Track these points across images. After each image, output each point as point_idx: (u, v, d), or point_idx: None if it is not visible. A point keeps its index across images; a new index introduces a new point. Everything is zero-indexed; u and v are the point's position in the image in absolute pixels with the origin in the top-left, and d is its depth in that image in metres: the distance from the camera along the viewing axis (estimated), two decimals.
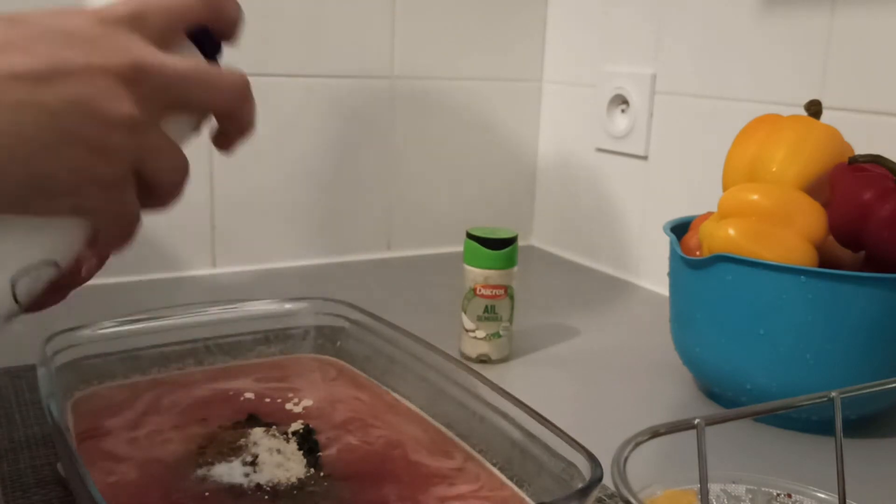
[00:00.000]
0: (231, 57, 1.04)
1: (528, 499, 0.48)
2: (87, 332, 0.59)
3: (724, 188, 0.70)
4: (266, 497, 0.47)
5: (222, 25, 0.44)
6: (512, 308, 0.77)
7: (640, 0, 1.03)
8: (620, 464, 0.32)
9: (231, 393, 0.61)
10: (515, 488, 0.49)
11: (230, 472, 0.49)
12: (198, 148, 1.04)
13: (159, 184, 0.41)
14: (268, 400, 0.60)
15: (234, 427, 0.55)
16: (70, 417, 0.52)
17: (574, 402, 0.71)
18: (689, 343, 0.70)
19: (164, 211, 0.41)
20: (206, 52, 0.44)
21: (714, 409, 0.70)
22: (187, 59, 0.41)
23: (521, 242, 0.78)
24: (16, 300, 0.37)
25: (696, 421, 0.34)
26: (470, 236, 0.76)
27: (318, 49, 1.03)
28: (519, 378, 0.75)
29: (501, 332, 0.76)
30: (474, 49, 1.14)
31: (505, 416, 0.51)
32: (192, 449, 0.52)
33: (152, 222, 1.01)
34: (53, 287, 0.41)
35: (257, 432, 0.53)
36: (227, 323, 0.65)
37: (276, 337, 0.67)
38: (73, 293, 0.46)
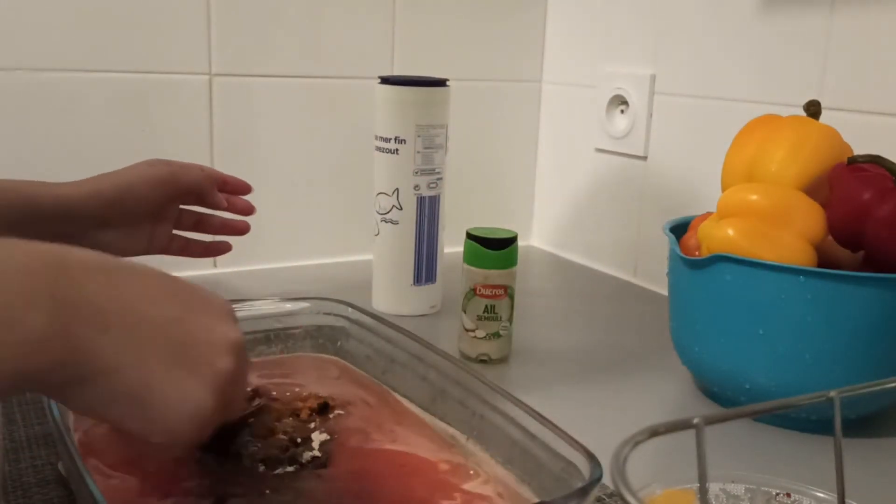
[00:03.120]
0: (233, 57, 1.04)
1: (529, 498, 0.48)
2: None
3: (724, 188, 0.70)
4: (269, 492, 0.48)
5: None
6: (512, 308, 0.77)
7: (639, 0, 1.03)
8: (620, 463, 0.33)
9: None
10: (519, 487, 0.49)
11: (233, 467, 0.49)
12: (199, 148, 1.04)
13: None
14: (275, 393, 0.60)
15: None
16: (71, 417, 0.52)
17: (574, 402, 0.71)
18: (688, 343, 0.70)
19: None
20: None
21: (713, 409, 0.70)
22: None
23: (521, 242, 0.79)
24: None
25: (696, 420, 0.34)
26: (470, 236, 0.76)
27: (317, 49, 1.03)
28: (519, 378, 0.75)
29: (501, 332, 0.77)
30: (474, 49, 1.14)
31: (505, 415, 0.51)
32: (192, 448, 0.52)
33: None
34: None
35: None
36: None
37: (276, 336, 0.67)
38: None
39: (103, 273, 0.38)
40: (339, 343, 0.67)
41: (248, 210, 0.80)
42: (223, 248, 0.82)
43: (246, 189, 0.81)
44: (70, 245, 0.38)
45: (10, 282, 0.34)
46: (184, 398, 0.39)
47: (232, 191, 0.80)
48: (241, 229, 0.82)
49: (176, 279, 0.42)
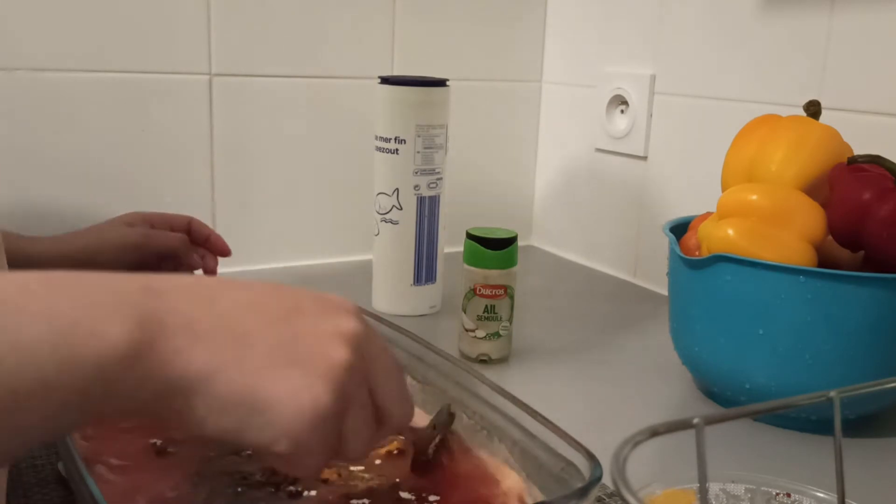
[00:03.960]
0: (233, 57, 1.04)
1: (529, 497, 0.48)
2: None
3: (724, 188, 0.70)
4: (271, 490, 0.48)
5: None
6: (512, 308, 0.77)
7: (639, 0, 1.03)
8: (620, 463, 0.32)
9: None
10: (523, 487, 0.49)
11: (235, 464, 0.49)
12: (199, 148, 1.04)
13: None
14: None
15: None
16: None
17: (574, 402, 0.71)
18: (688, 343, 0.70)
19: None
20: None
21: (713, 409, 0.70)
22: None
23: (521, 242, 0.79)
24: None
25: (696, 420, 0.34)
26: (470, 236, 0.76)
27: (317, 49, 1.03)
28: (519, 378, 0.75)
29: (501, 332, 0.77)
30: (474, 49, 1.14)
31: (505, 415, 0.51)
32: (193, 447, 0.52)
33: None
34: None
35: None
36: None
37: None
38: None
39: (197, 289, 0.37)
40: None
41: (222, 255, 0.80)
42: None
43: (225, 253, 0.80)
44: None
45: (99, 299, 0.33)
46: (295, 392, 0.35)
47: (213, 249, 0.79)
48: (213, 272, 0.81)
49: (284, 286, 0.40)
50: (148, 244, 0.72)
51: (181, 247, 0.74)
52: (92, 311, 0.32)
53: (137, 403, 0.34)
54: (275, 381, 0.35)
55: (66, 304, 0.32)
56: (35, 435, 0.32)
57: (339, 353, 0.37)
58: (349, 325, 0.39)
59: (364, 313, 0.49)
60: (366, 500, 0.48)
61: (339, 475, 0.50)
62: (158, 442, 0.52)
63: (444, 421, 0.52)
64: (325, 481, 0.49)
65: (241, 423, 0.35)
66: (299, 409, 0.35)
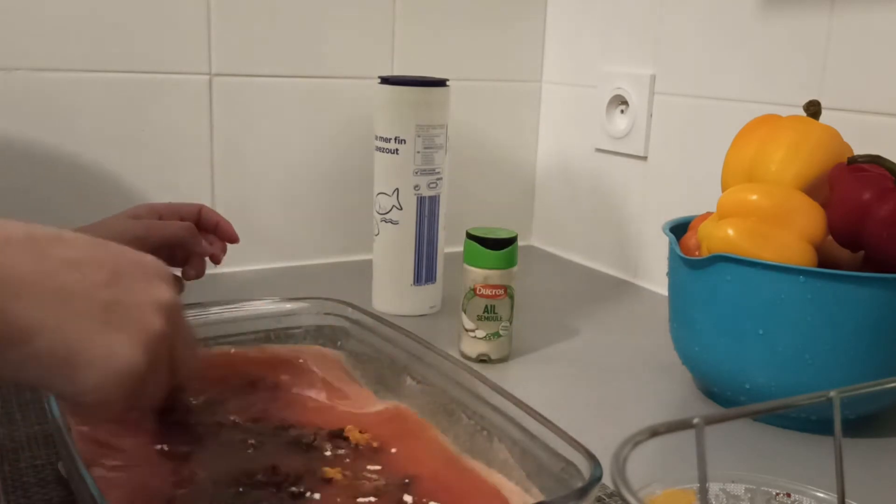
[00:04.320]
0: (233, 57, 1.04)
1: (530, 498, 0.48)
2: None
3: (724, 188, 0.70)
4: (273, 490, 0.48)
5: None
6: (512, 308, 0.77)
7: (639, 0, 1.03)
8: (620, 463, 0.33)
9: None
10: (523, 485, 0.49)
11: (238, 464, 0.49)
12: (199, 148, 1.04)
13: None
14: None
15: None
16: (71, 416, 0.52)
17: (574, 402, 0.71)
18: (688, 343, 0.70)
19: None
20: None
21: (713, 409, 0.70)
22: None
23: (521, 242, 0.79)
24: None
25: (696, 420, 0.34)
26: (470, 236, 0.76)
27: (317, 49, 1.03)
28: (518, 378, 0.75)
29: (501, 332, 0.77)
30: (474, 50, 1.14)
31: (505, 415, 0.51)
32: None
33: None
34: None
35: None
36: (227, 323, 0.65)
37: (276, 337, 0.67)
38: None
39: (27, 243, 0.38)
40: (339, 343, 0.67)
41: (231, 242, 0.81)
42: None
43: (233, 239, 0.80)
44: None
45: None
46: (110, 355, 0.38)
47: (221, 236, 0.79)
48: (217, 260, 0.81)
49: (109, 245, 0.42)
50: (150, 236, 0.72)
51: (186, 235, 0.74)
52: None
53: None
54: (91, 343, 0.38)
55: None
56: None
57: (156, 322, 0.40)
58: (166, 295, 0.42)
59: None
60: (372, 499, 0.48)
61: (344, 475, 0.50)
62: (165, 447, 0.52)
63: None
64: (329, 481, 0.49)
65: (55, 377, 0.37)
66: (114, 370, 0.38)
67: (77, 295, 0.38)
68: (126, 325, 0.39)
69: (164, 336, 0.41)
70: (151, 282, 0.42)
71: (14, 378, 0.37)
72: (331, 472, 0.50)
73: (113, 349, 0.38)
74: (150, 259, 0.43)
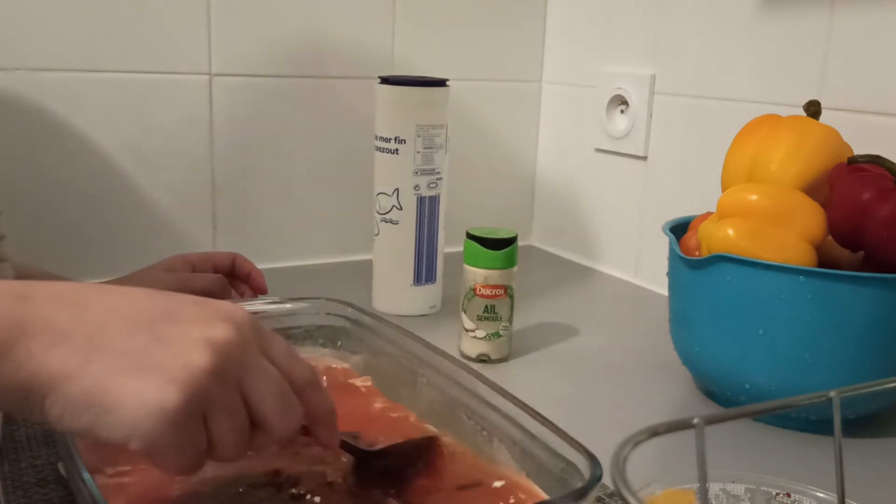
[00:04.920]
0: (233, 57, 1.04)
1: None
2: None
3: (724, 188, 0.70)
4: (273, 491, 0.48)
5: None
6: (512, 308, 0.77)
7: (639, 1, 1.03)
8: (620, 463, 0.33)
9: None
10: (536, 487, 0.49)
11: (238, 465, 0.49)
12: (199, 148, 1.04)
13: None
14: None
15: None
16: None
17: (574, 402, 0.71)
18: (688, 343, 0.70)
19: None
20: None
21: (713, 409, 0.70)
22: None
23: (521, 242, 0.79)
24: None
25: (696, 420, 0.34)
26: (470, 236, 0.76)
27: (317, 49, 1.03)
28: (518, 378, 0.75)
29: (501, 332, 0.77)
30: (474, 49, 1.14)
31: (505, 415, 0.51)
32: None
33: (153, 222, 1.01)
34: None
35: None
36: None
37: None
38: None
39: (70, 295, 0.40)
40: (339, 343, 0.67)
41: (260, 293, 0.81)
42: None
43: (262, 290, 0.80)
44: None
45: None
46: (140, 394, 0.37)
47: (251, 286, 0.80)
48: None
49: (152, 292, 0.42)
50: (182, 289, 0.73)
51: (216, 289, 0.75)
52: None
53: (2, 401, 0.37)
54: (122, 384, 0.38)
55: None
56: None
57: (200, 359, 0.39)
58: (221, 332, 0.40)
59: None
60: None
61: (345, 480, 0.50)
62: None
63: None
64: (331, 485, 0.49)
65: (94, 422, 0.38)
66: (144, 409, 0.37)
67: (115, 339, 0.39)
68: (160, 365, 0.38)
69: (214, 372, 0.39)
70: (208, 321, 0.41)
71: (58, 425, 0.38)
72: (332, 475, 0.50)
73: (143, 388, 0.38)
74: (218, 303, 0.42)
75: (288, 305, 0.68)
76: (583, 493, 0.41)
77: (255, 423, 0.41)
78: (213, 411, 0.39)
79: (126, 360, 0.38)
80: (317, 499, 0.48)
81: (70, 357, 0.37)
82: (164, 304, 0.41)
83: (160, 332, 0.39)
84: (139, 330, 0.39)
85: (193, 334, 0.39)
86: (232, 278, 0.79)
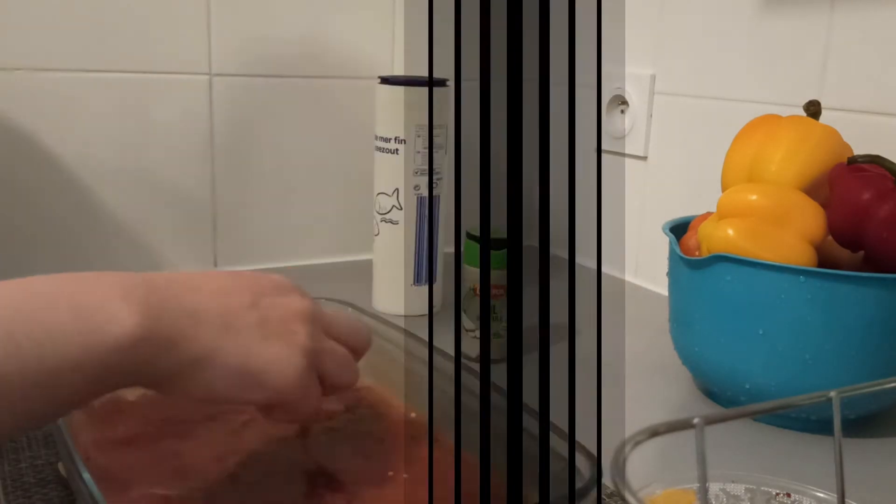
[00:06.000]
0: (233, 57, 1.04)
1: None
2: None
3: (724, 188, 0.70)
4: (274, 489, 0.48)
5: None
6: None
7: (639, 0, 1.03)
8: (620, 463, 0.33)
9: None
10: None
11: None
12: (199, 148, 1.04)
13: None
14: None
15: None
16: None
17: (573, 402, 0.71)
18: (688, 343, 0.70)
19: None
20: None
21: (713, 409, 0.70)
22: None
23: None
24: None
25: (696, 420, 0.34)
26: (470, 236, 0.76)
27: (318, 49, 1.03)
28: None
29: (501, 332, 0.77)
30: (474, 49, 1.14)
31: (505, 415, 0.51)
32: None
33: (153, 222, 1.01)
34: None
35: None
36: None
37: None
38: None
39: (182, 281, 0.45)
40: None
41: None
42: None
43: None
44: None
45: (110, 293, 0.40)
46: (278, 357, 0.45)
47: None
48: None
49: (239, 273, 0.50)
50: None
51: None
52: (106, 303, 0.39)
53: (150, 379, 0.41)
54: (261, 351, 0.45)
55: (83, 297, 0.39)
56: (66, 405, 0.40)
57: (300, 329, 0.47)
58: (299, 304, 0.49)
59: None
60: None
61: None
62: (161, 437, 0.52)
63: None
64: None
65: (240, 386, 0.44)
66: (281, 370, 0.45)
67: (236, 318, 0.45)
68: (280, 336, 0.46)
69: (310, 333, 0.47)
70: (287, 296, 0.48)
71: (208, 396, 0.43)
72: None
73: (279, 354, 0.45)
74: (276, 277, 0.51)
75: None
76: (583, 493, 0.41)
77: (347, 348, 0.51)
78: (320, 359, 0.48)
79: (255, 333, 0.45)
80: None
81: (214, 334, 0.43)
82: (248, 283, 0.48)
83: (262, 309, 0.46)
84: (246, 308, 0.46)
85: (285, 310, 0.47)
86: None
